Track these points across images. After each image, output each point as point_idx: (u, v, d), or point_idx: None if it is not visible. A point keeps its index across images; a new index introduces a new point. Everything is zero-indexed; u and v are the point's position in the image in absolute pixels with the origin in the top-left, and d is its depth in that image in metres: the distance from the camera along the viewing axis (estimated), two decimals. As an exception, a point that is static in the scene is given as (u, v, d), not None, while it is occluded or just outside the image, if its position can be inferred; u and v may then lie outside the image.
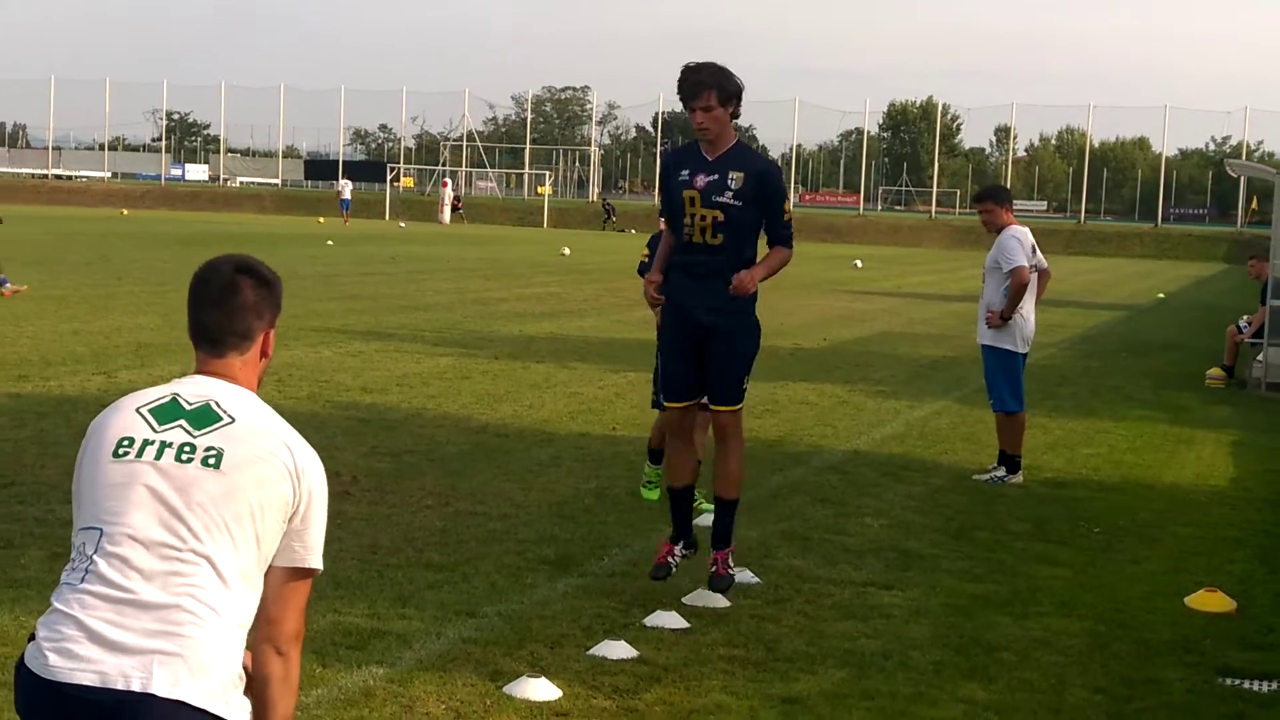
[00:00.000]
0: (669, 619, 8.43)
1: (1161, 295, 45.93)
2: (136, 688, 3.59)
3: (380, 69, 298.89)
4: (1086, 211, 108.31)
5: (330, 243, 54.11)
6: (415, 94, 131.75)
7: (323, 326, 23.48)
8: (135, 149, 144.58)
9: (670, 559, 8.91)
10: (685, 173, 8.71)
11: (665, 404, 9.24)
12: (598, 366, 19.98)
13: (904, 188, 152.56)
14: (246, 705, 3.79)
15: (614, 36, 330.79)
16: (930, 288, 43.93)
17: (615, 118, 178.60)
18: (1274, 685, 7.90)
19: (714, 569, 8.85)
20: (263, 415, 3.93)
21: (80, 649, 3.65)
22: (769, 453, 14.05)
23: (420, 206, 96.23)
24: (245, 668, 3.82)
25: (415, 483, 11.91)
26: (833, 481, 12.86)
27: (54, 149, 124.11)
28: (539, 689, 7.14)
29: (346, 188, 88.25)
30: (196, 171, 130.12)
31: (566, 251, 55.01)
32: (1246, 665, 8.18)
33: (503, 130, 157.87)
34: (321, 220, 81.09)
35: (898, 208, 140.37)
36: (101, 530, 3.77)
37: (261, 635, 3.87)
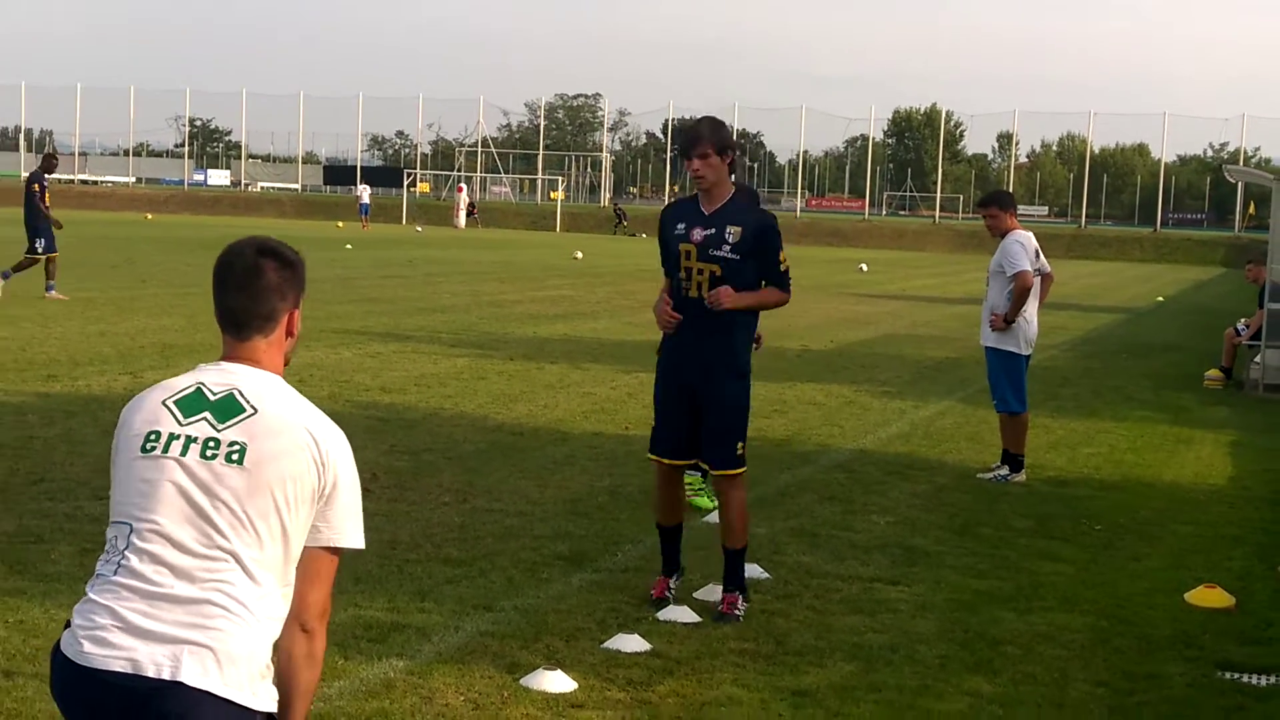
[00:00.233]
0: (681, 613, 8.44)
1: (1161, 298, 45.90)
2: (167, 676, 3.61)
3: (397, 77, 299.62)
4: (1087, 216, 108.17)
5: (349, 246, 54.12)
6: (431, 101, 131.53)
7: (342, 328, 23.50)
8: (159, 155, 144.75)
9: (667, 593, 8.74)
10: (681, 226, 8.52)
11: (650, 455, 8.89)
12: (610, 367, 19.98)
13: (908, 193, 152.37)
14: (274, 694, 3.79)
15: (625, 45, 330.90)
16: (934, 291, 43.88)
17: (626, 124, 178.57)
18: (1272, 679, 7.90)
19: (720, 607, 8.60)
20: (285, 403, 3.88)
21: (113, 637, 3.67)
22: (777, 452, 14.06)
23: (436, 211, 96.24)
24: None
25: (433, 480, 11.93)
26: (840, 480, 12.86)
27: (80, 155, 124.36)
28: (555, 681, 7.15)
29: (365, 193, 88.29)
30: (218, 177, 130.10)
31: (579, 255, 54.98)
32: (1245, 659, 8.17)
33: (516, 136, 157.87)
34: (340, 224, 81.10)
35: (902, 213, 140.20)
36: (131, 526, 3.77)
37: (289, 611, 3.86)
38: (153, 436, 3.81)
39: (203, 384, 3.87)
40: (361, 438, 13.45)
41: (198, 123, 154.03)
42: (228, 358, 3.95)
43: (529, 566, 9.41)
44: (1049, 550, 10.62)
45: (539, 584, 9.03)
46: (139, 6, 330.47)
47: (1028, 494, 12.68)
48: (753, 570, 9.42)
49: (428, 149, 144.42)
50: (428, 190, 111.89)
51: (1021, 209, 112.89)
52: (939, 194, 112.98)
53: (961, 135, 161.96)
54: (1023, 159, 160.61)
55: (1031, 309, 13.18)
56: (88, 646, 3.69)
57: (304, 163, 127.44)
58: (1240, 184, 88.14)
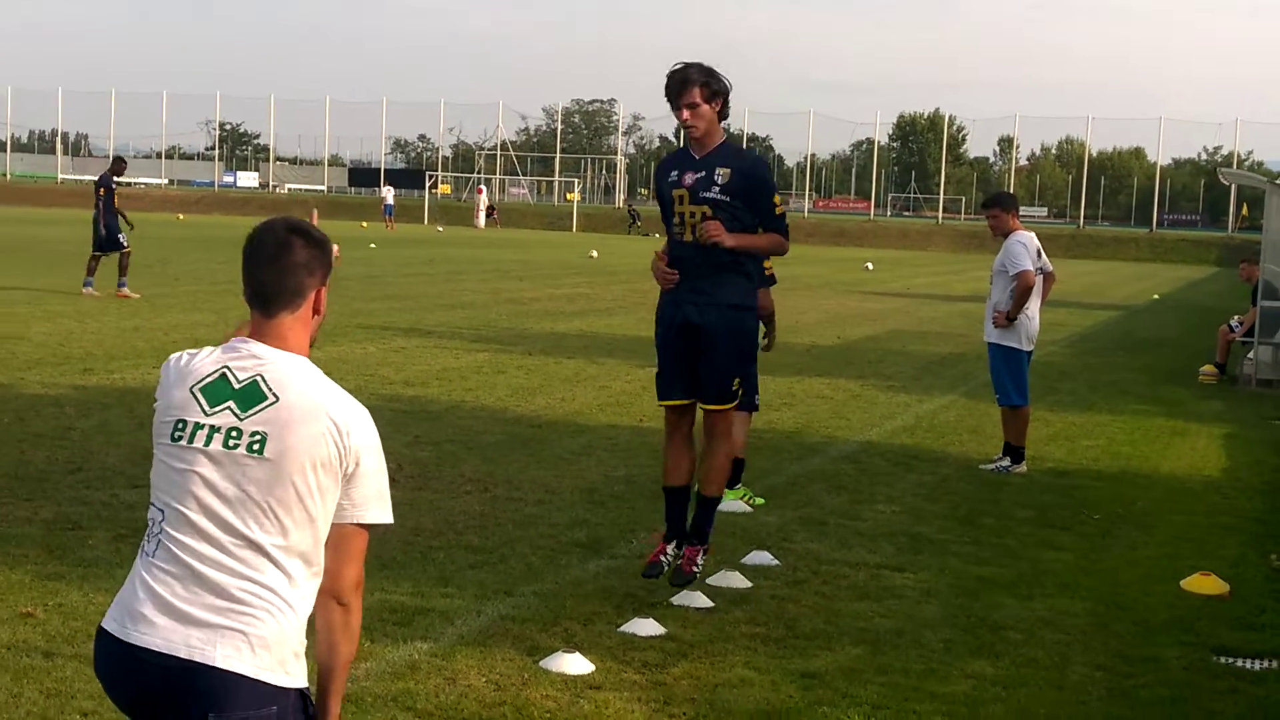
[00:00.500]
0: (695, 598, 8.44)
1: (1156, 296, 45.80)
2: (199, 658, 3.61)
3: (419, 82, 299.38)
4: (1085, 217, 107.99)
5: (373, 245, 54.17)
6: (452, 106, 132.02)
7: (367, 324, 23.52)
8: (190, 157, 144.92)
9: (663, 558, 8.49)
10: (675, 173, 8.32)
11: (659, 402, 8.64)
12: (625, 362, 19.97)
13: (912, 194, 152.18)
14: (304, 670, 3.79)
15: (639, 52, 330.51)
16: (937, 289, 43.81)
17: (640, 128, 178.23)
18: (1266, 663, 7.89)
19: (679, 563, 8.43)
20: (306, 388, 3.82)
21: (152, 616, 3.68)
22: (787, 443, 14.06)
23: (457, 212, 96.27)
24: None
25: (455, 470, 11.94)
26: (847, 470, 12.85)
27: (114, 157, 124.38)
28: (573, 663, 7.16)
29: (390, 194, 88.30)
30: (247, 179, 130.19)
31: (594, 254, 54.96)
32: (1240, 644, 8.16)
33: (534, 140, 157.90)
34: (364, 224, 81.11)
35: (906, 213, 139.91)
36: (164, 513, 3.77)
37: (323, 586, 3.85)
38: (180, 425, 3.79)
39: (228, 368, 3.82)
40: (386, 429, 13.36)
41: (228, 126, 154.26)
42: (254, 337, 3.90)
43: (547, 553, 9.42)
44: (1049, 539, 10.61)
45: (557, 570, 9.04)
46: (171, 15, 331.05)
47: (1028, 484, 12.66)
48: (763, 557, 9.43)
49: (449, 152, 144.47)
50: (449, 192, 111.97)
51: (1022, 210, 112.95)
52: (942, 195, 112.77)
53: (964, 139, 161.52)
54: (1023, 162, 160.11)
55: (1034, 306, 13.17)
56: (128, 623, 3.71)
57: (329, 165, 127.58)
58: (1234, 186, 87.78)
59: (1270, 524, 11.54)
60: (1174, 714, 7.05)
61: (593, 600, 8.41)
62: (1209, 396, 19.79)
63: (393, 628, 7.63)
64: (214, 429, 3.75)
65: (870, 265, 55.37)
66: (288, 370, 3.83)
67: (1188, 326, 32.31)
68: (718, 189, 8.13)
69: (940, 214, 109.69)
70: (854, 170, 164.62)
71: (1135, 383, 20.96)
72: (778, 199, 8.37)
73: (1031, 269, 12.95)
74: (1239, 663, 7.87)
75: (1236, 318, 23.50)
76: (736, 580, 8.88)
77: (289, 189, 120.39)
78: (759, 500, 11.27)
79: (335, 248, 4.19)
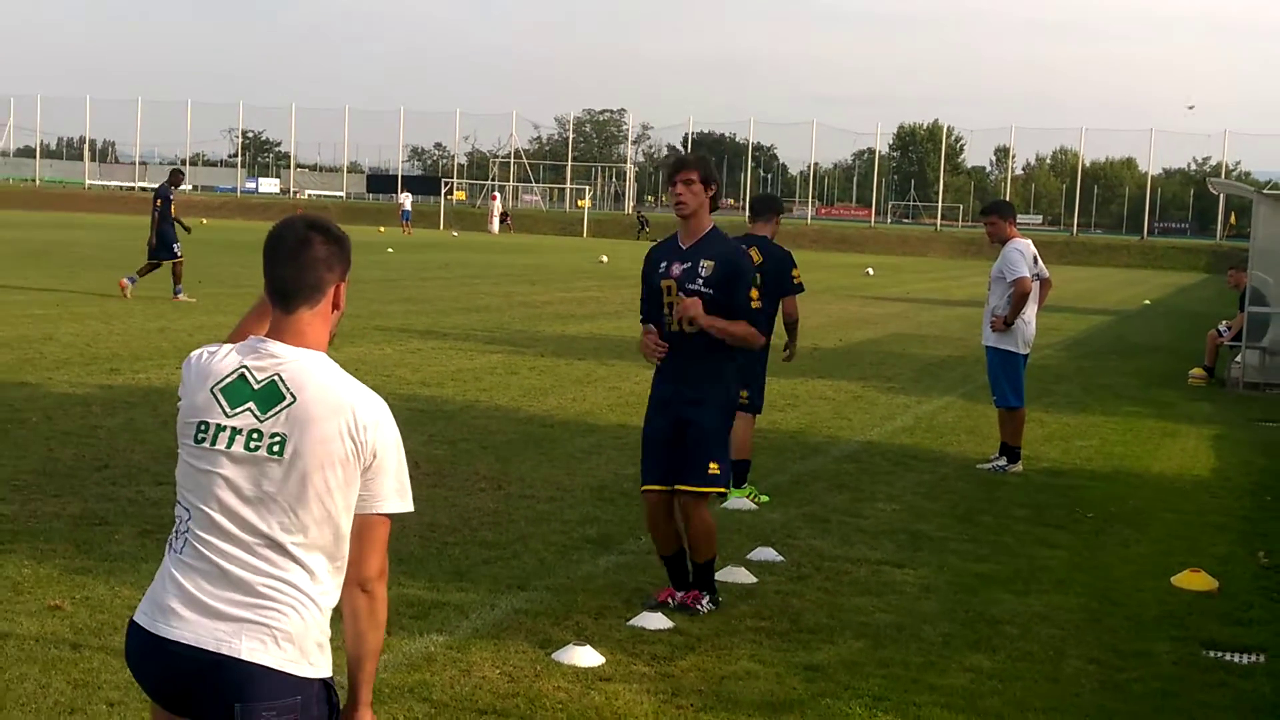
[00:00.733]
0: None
1: (1147, 302, 45.74)
2: (225, 651, 3.62)
3: (436, 92, 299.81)
4: (1078, 225, 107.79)
5: (390, 250, 54.18)
6: (467, 115, 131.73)
7: (385, 326, 23.53)
8: (213, 164, 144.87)
9: (670, 600, 8.30)
10: (664, 264, 8.27)
11: (642, 487, 8.43)
12: (634, 363, 19.93)
13: (911, 202, 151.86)
14: (329, 660, 3.79)
15: (648, 64, 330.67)
16: (936, 294, 43.77)
17: (649, 137, 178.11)
18: (1254, 657, 7.88)
19: (684, 597, 8.28)
20: (323, 386, 3.79)
21: (180, 609, 3.69)
22: (791, 443, 14.05)
23: (471, 218, 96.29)
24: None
25: (470, 468, 11.93)
26: (849, 469, 12.84)
27: (140, 164, 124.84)
28: (584, 656, 7.15)
29: (408, 200, 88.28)
30: (268, 185, 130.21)
31: (604, 259, 54.96)
32: (1228, 639, 8.15)
33: (546, 149, 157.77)
34: (382, 230, 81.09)
35: (906, 221, 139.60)
36: (190, 513, 3.77)
37: (347, 576, 3.84)
38: (203, 428, 3.77)
39: (246, 368, 3.79)
40: (403, 428, 13.27)
41: (250, 134, 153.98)
42: (273, 334, 3.86)
43: (559, 549, 9.42)
44: (1044, 536, 10.59)
45: (569, 565, 9.04)
46: (196, 27, 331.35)
47: (1024, 484, 12.65)
48: (767, 553, 9.43)
49: (464, 160, 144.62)
50: (464, 198, 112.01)
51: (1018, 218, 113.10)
52: (940, 203, 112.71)
53: (961, 149, 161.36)
54: (1018, 171, 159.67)
55: (1030, 311, 13.16)
56: (158, 617, 3.72)
57: (348, 172, 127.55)
58: (1222, 195, 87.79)
59: (1258, 522, 11.52)
60: (1165, 706, 7.03)
61: (603, 594, 8.40)
62: (1198, 399, 19.76)
63: (409, 621, 7.63)
64: (235, 431, 3.74)
65: (871, 271, 55.41)
66: (305, 368, 3.80)
67: (1178, 331, 32.26)
68: (701, 281, 8.08)
69: (939, 221, 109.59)
70: (855, 179, 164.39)
71: (1127, 385, 20.93)
72: (754, 293, 8.22)
73: (1028, 275, 12.94)
74: (1228, 657, 7.86)
75: (1225, 323, 23.47)
76: (742, 575, 8.88)
77: (309, 195, 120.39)
78: (764, 498, 11.26)
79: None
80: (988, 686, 7.15)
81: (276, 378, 3.78)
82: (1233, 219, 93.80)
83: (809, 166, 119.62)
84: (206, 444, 3.76)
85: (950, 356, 23.75)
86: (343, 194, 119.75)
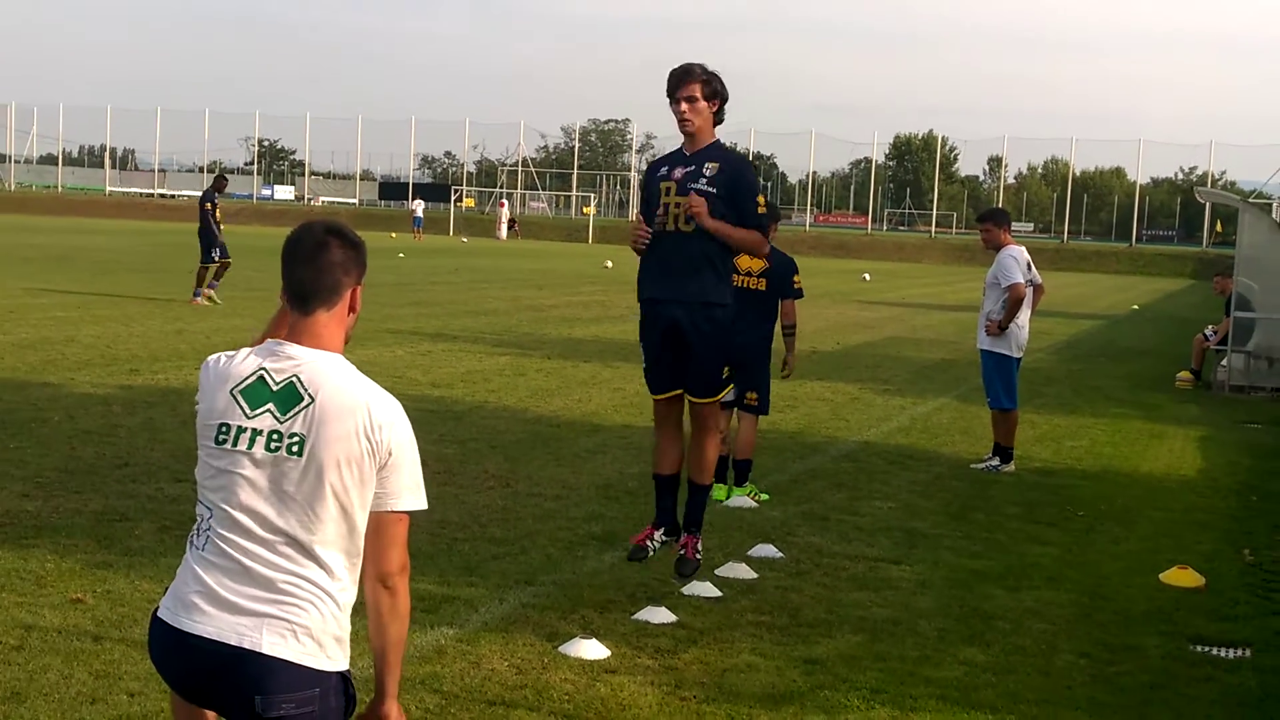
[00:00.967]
0: (704, 588, 8.43)
1: (1136, 307, 45.69)
2: (247, 645, 3.63)
3: (446, 103, 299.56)
4: (1069, 232, 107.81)
5: (401, 255, 54.17)
6: (476, 125, 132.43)
7: (396, 329, 23.53)
8: (230, 172, 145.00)
9: (649, 542, 8.23)
10: (664, 169, 8.03)
11: (653, 396, 8.25)
12: (638, 366, 19.72)
13: (907, 210, 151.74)
14: (347, 653, 3.79)
15: (652, 75, 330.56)
16: (931, 299, 43.74)
17: (652, 146, 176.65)
18: (1240, 652, 7.87)
19: (682, 551, 8.17)
20: (340, 387, 3.78)
21: (202, 604, 3.70)
22: (790, 443, 14.04)
23: (480, 224, 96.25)
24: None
25: (479, 466, 11.93)
26: (846, 469, 12.84)
27: (159, 171, 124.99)
28: (590, 649, 7.16)
29: (419, 206, 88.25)
30: (284, 192, 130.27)
31: (609, 264, 54.85)
32: (1215, 634, 8.15)
33: (553, 157, 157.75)
34: (393, 235, 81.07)
35: (901, 228, 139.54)
36: (211, 512, 3.77)
37: (368, 572, 3.83)
38: (224, 429, 3.78)
39: (265, 370, 3.80)
40: (414, 428, 13.41)
41: (266, 143, 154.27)
42: (291, 336, 3.87)
43: (566, 545, 9.41)
44: (1036, 534, 10.59)
45: (575, 561, 9.04)
46: (214, 38, 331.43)
47: (1017, 483, 12.64)
48: (768, 550, 9.43)
49: (473, 168, 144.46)
50: (473, 205, 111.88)
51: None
52: (935, 211, 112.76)
53: (956, 158, 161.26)
54: (1011, 180, 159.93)
55: (1024, 316, 13.15)
56: (180, 612, 3.73)
57: (361, 179, 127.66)
58: (1208, 204, 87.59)
59: (1243, 521, 11.52)
60: (1153, 699, 7.03)
61: (608, 589, 8.40)
62: (1185, 401, 19.76)
63: (420, 615, 7.61)
64: (256, 432, 3.75)
65: (868, 276, 55.39)
66: (322, 369, 3.81)
67: (1165, 335, 32.24)
68: (705, 180, 7.82)
69: (933, 228, 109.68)
70: (853, 187, 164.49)
71: (1116, 388, 20.93)
72: (761, 199, 8.04)
73: (1022, 281, 12.93)
74: (1215, 651, 7.86)
75: (1211, 327, 23.44)
76: (743, 571, 8.87)
77: (323, 201, 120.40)
78: (764, 496, 11.26)
79: None
80: (981, 679, 7.15)
81: (295, 379, 3.78)
82: (1218, 227, 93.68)
83: (807, 175, 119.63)
84: (228, 445, 3.76)
85: (945, 359, 23.74)
86: (355, 201, 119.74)
